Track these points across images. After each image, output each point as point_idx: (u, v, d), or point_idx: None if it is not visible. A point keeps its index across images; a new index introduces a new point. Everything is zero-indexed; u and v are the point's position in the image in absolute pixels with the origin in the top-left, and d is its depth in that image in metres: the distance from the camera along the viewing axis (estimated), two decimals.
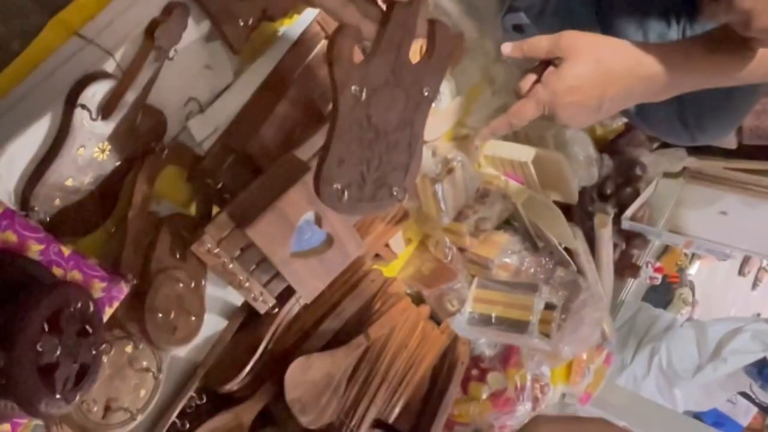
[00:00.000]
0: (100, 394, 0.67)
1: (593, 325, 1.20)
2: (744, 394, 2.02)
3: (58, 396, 0.52)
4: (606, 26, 0.87)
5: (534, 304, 1.08)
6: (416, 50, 0.56)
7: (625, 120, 1.41)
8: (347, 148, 0.53)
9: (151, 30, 0.65)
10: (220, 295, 0.84)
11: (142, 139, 0.70)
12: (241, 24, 0.74)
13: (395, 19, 0.53)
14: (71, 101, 0.62)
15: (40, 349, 0.50)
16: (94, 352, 0.56)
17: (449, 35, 0.58)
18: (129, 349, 0.70)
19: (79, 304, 0.54)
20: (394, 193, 0.58)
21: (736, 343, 1.67)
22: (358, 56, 0.52)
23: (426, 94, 0.58)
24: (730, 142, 1.47)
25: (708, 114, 0.88)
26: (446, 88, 1.08)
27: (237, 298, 0.86)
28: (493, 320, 1.12)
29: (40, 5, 0.63)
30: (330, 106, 0.71)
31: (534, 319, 1.07)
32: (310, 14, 0.83)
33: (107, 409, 0.68)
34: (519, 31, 1.18)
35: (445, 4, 1.02)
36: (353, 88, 0.52)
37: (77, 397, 0.54)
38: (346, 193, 0.54)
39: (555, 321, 1.10)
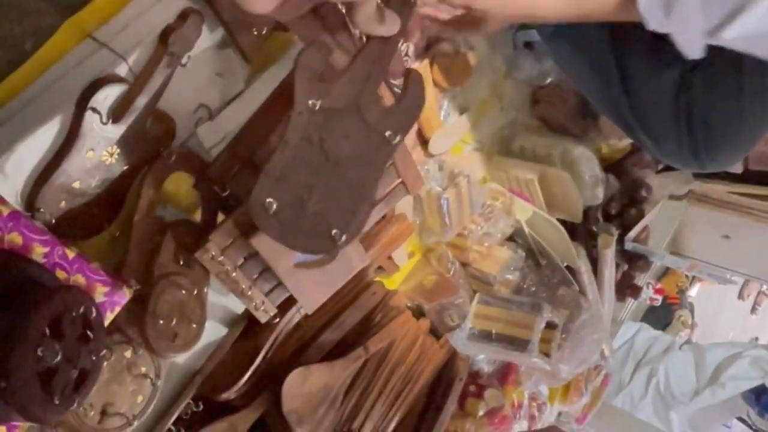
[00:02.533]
0: (97, 399, 0.67)
1: (593, 346, 1.19)
2: (741, 420, 2.01)
3: (56, 401, 0.51)
4: (619, 55, 0.87)
5: (535, 323, 1.08)
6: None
7: (631, 140, 1.41)
8: (292, 164, 0.48)
9: (165, 36, 0.65)
10: (221, 303, 0.84)
11: (151, 143, 0.70)
12: (255, 33, 0.74)
13: (369, 50, 0.50)
14: (82, 104, 0.62)
15: (40, 354, 0.50)
16: (94, 358, 0.55)
17: (422, 87, 0.55)
18: (128, 354, 0.69)
19: (82, 309, 0.54)
20: (333, 235, 0.50)
21: (735, 369, 1.66)
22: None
23: (388, 136, 0.53)
24: (736, 166, 1.47)
25: (719, 144, 0.88)
26: (454, 103, 1.08)
27: (238, 306, 0.86)
28: (494, 337, 1.11)
29: (55, 7, 0.63)
30: None
31: (535, 337, 1.06)
32: None
33: (104, 413, 0.68)
34: (530, 48, 1.18)
35: None
36: (311, 101, 0.48)
37: (75, 403, 0.53)
38: (279, 214, 0.48)
39: (555, 340, 1.10)
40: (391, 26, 0.50)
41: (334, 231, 0.50)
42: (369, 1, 0.47)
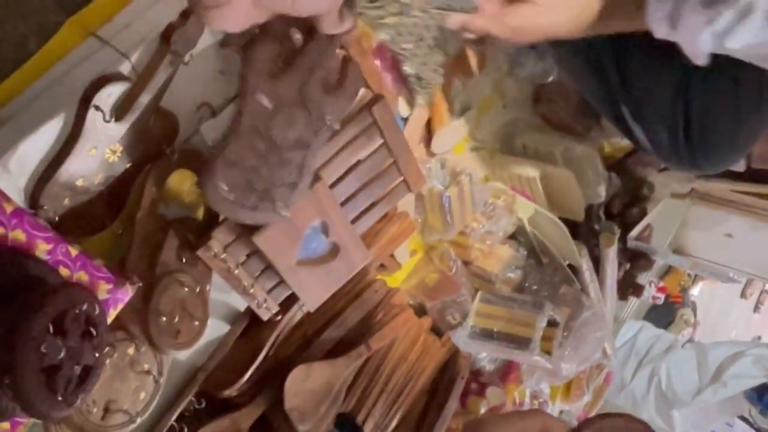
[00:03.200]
0: (100, 396, 0.67)
1: (595, 344, 1.20)
2: (743, 418, 2.01)
3: (59, 398, 0.52)
4: (618, 56, 0.87)
5: (537, 321, 1.08)
6: None
7: None
8: (242, 152, 0.54)
9: (167, 34, 0.65)
10: (223, 300, 0.84)
11: (154, 141, 0.70)
12: (257, 31, 0.74)
13: (314, 45, 0.55)
14: (85, 102, 0.62)
15: (44, 351, 0.50)
16: (97, 355, 0.56)
17: (360, 75, 0.61)
18: (131, 351, 0.70)
19: (85, 306, 0.54)
20: (277, 209, 0.59)
21: (737, 368, 1.66)
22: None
23: (327, 121, 0.59)
24: (739, 165, 1.47)
25: (716, 146, 0.88)
26: (456, 101, 1.08)
27: (240, 304, 0.86)
28: (495, 335, 1.11)
29: (58, 5, 0.64)
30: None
31: (536, 336, 1.06)
32: None
33: (106, 410, 0.68)
34: (532, 46, 1.18)
35: None
36: (263, 97, 0.53)
37: (78, 400, 0.54)
38: (231, 195, 0.55)
39: (557, 339, 1.10)
40: (348, 25, 0.53)
41: (279, 204, 0.59)
42: (333, 10, 0.50)
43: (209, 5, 0.46)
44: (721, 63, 0.69)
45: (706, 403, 1.71)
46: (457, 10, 0.64)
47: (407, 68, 0.85)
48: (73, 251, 0.60)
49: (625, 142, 1.41)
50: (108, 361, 0.66)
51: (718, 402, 1.75)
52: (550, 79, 1.21)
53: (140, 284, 0.66)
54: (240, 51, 0.54)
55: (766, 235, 1.59)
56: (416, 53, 0.78)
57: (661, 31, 0.67)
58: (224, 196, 0.55)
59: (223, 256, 0.73)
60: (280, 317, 0.84)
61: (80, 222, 0.67)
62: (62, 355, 0.52)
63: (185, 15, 0.67)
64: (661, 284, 1.92)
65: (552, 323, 1.11)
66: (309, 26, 0.54)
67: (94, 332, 0.56)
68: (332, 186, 0.78)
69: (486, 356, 1.21)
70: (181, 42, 0.66)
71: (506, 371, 1.27)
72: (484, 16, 0.66)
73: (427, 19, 0.70)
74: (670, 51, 0.84)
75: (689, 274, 2.23)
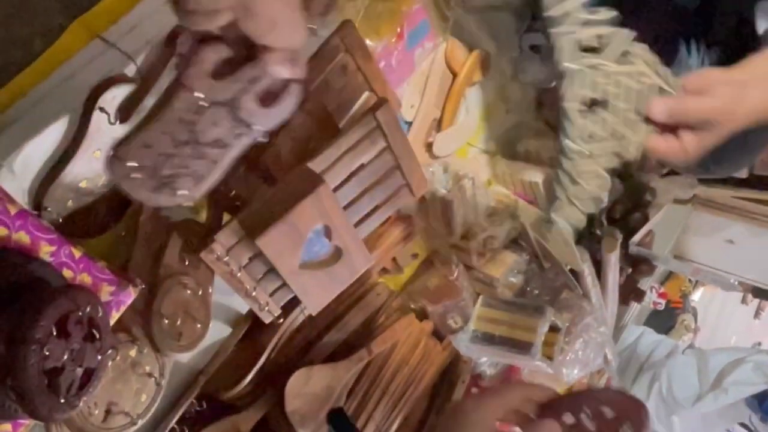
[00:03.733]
0: (102, 398, 0.67)
1: (596, 350, 1.19)
2: (743, 425, 2.00)
3: (61, 400, 0.52)
4: None
5: (539, 326, 1.08)
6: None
7: None
8: (160, 138, 0.56)
9: (172, 37, 0.65)
10: (225, 303, 0.84)
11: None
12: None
13: (259, 60, 0.56)
14: (90, 103, 0.62)
15: (47, 353, 0.50)
16: (99, 357, 0.56)
17: (296, 101, 0.61)
18: (133, 353, 0.70)
19: (88, 309, 0.54)
20: (177, 194, 0.60)
21: (738, 374, 1.65)
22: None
23: (253, 130, 0.60)
24: (741, 171, 1.47)
25: (726, 148, 0.88)
26: (461, 105, 1.08)
27: (242, 306, 0.86)
28: (496, 340, 1.11)
29: (64, 7, 0.64)
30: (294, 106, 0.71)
31: (538, 340, 1.06)
32: (329, 27, 0.83)
33: (108, 412, 0.68)
34: (536, 51, 1.18)
35: (464, 23, 1.02)
36: (197, 94, 0.55)
37: (80, 402, 0.54)
38: (137, 173, 0.56)
39: (558, 344, 1.10)
40: (298, 72, 0.56)
41: (179, 192, 0.60)
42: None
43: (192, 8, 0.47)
44: (731, 65, 0.69)
45: (706, 410, 1.71)
46: None
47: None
48: (77, 253, 0.60)
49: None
50: (110, 363, 0.66)
51: (719, 408, 1.74)
52: (554, 84, 1.21)
53: (143, 286, 0.66)
54: (192, 44, 0.55)
55: (767, 242, 1.59)
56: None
57: None
58: (128, 173, 0.56)
59: (225, 258, 0.72)
60: (281, 320, 0.84)
61: (84, 223, 0.67)
62: (65, 357, 0.52)
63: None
64: (662, 290, 1.92)
65: (554, 328, 1.11)
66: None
67: (97, 335, 0.56)
68: (335, 189, 0.78)
69: (487, 361, 1.21)
70: (186, 45, 0.66)
71: (507, 376, 1.27)
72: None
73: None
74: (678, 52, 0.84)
75: (690, 280, 2.22)
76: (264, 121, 0.60)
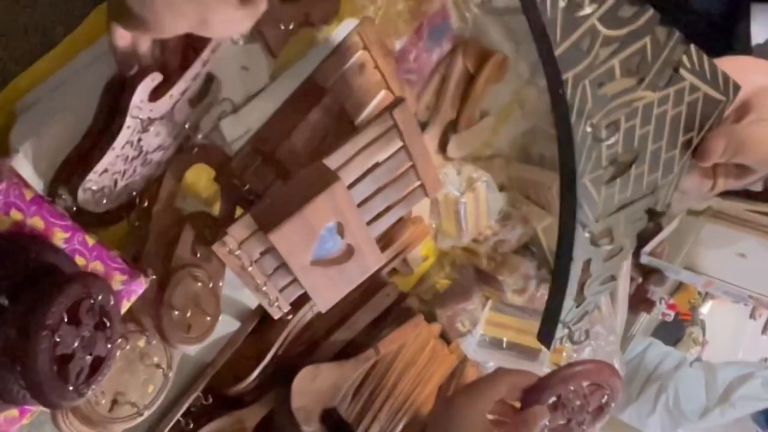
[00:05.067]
0: (109, 387, 0.67)
1: (605, 358, 1.18)
2: None
3: (70, 387, 0.52)
4: None
5: None
6: None
7: None
8: (115, 161, 0.62)
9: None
10: (235, 297, 0.84)
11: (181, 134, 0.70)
12: (282, 28, 0.73)
13: (192, 68, 0.63)
14: (109, 92, 0.62)
15: (57, 339, 0.50)
16: (109, 346, 0.56)
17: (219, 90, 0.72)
18: (141, 343, 0.70)
19: (100, 297, 0.54)
20: (133, 194, 0.69)
21: (746, 389, 1.64)
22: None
23: (186, 128, 0.70)
24: (756, 185, 1.45)
25: None
26: (477, 107, 1.08)
27: (251, 301, 0.86)
28: (505, 345, 1.11)
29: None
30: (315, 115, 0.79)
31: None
32: (350, 24, 0.83)
33: (114, 402, 0.68)
34: None
35: (483, 25, 1.02)
36: (138, 119, 0.61)
37: (89, 390, 0.54)
38: (98, 195, 0.64)
39: (567, 351, 1.09)
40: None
41: (134, 192, 0.69)
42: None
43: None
44: None
45: (712, 424, 1.69)
46: None
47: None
48: (90, 241, 0.60)
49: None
50: (119, 352, 0.66)
51: (725, 423, 1.73)
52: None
53: (154, 277, 0.66)
54: (129, 78, 0.60)
55: None
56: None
57: None
58: (93, 197, 0.63)
59: (237, 252, 0.72)
60: (290, 317, 0.84)
61: (97, 213, 0.67)
62: (75, 344, 0.52)
63: None
64: (671, 301, 1.91)
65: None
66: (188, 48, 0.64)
67: (108, 323, 0.55)
68: (349, 187, 0.77)
69: (494, 365, 1.20)
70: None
71: None
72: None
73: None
74: None
75: (699, 293, 2.21)
76: (195, 118, 0.69)
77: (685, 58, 0.45)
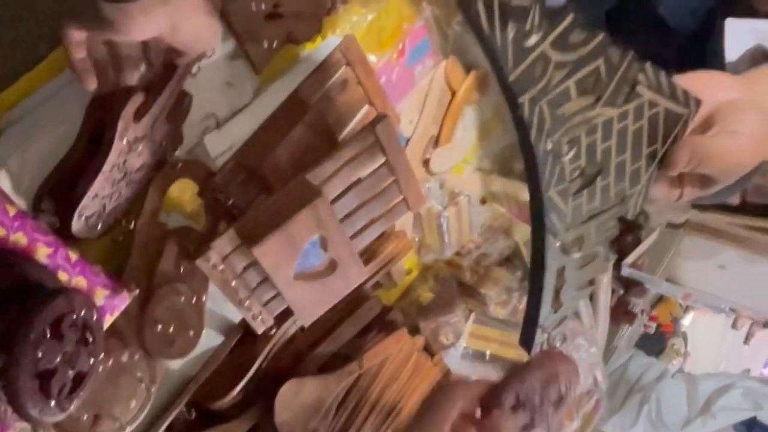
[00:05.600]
0: (91, 402, 0.67)
1: (586, 370, 1.20)
2: None
3: (52, 403, 0.52)
4: None
5: None
6: None
7: None
8: (103, 185, 0.63)
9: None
10: (218, 311, 0.84)
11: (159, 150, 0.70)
12: (266, 45, 0.75)
13: (168, 87, 0.65)
14: (93, 108, 0.62)
15: (40, 355, 0.50)
16: (92, 361, 0.56)
17: (186, 113, 0.72)
18: (124, 358, 0.70)
19: (83, 312, 0.54)
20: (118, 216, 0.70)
21: (727, 400, 1.66)
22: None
23: (162, 145, 0.70)
24: (734, 197, 1.48)
25: None
26: (459, 123, 1.09)
27: (234, 315, 0.86)
28: (488, 358, 1.11)
29: (71, 11, 0.64)
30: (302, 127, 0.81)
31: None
32: (333, 41, 0.84)
33: (97, 417, 0.68)
34: None
35: (464, 43, 1.04)
36: (125, 140, 0.63)
37: (71, 406, 0.54)
38: (91, 221, 0.64)
39: None
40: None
41: (118, 214, 0.69)
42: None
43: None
44: None
45: None
46: None
47: None
48: (73, 256, 0.60)
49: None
50: (101, 367, 0.66)
51: None
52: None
53: (137, 291, 0.66)
54: (111, 102, 0.62)
55: (758, 268, 1.60)
56: None
57: None
58: (86, 224, 0.64)
59: (221, 267, 0.73)
60: (274, 330, 0.84)
61: None
62: (58, 359, 0.52)
63: None
64: (653, 313, 1.93)
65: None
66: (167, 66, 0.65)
67: (91, 338, 0.56)
68: (333, 202, 0.78)
69: (477, 378, 1.21)
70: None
71: None
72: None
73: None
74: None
75: (681, 305, 2.23)
76: (171, 134, 0.71)
77: (641, 76, 0.47)
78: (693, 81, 0.54)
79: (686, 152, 0.53)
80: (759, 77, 0.62)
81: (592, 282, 0.55)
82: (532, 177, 0.46)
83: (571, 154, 0.46)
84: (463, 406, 0.61)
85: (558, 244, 0.49)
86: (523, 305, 1.21)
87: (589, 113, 0.45)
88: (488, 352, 1.13)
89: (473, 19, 0.40)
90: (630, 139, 0.49)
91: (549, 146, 0.45)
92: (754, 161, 0.56)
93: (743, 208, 1.54)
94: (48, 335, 0.51)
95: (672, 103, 0.50)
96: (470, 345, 1.14)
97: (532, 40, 0.41)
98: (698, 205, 1.54)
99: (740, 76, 0.61)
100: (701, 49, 0.95)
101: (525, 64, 0.42)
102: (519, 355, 1.10)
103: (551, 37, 0.41)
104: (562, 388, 0.61)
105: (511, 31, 0.40)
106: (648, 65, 0.48)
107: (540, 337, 0.55)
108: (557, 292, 0.52)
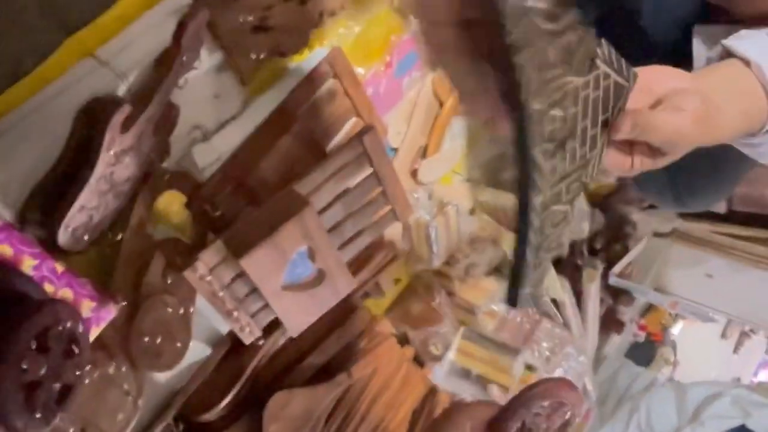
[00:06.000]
0: (77, 414, 0.66)
1: (576, 379, 1.20)
2: None
3: (37, 415, 0.51)
4: None
5: (513, 369, 1.09)
6: None
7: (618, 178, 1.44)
8: (90, 197, 0.64)
9: (165, 58, 0.66)
10: (206, 323, 0.84)
11: (146, 163, 0.70)
12: (253, 57, 0.75)
13: (156, 99, 0.66)
14: (79, 122, 0.63)
15: (25, 367, 0.50)
16: (77, 373, 0.55)
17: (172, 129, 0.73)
18: (111, 370, 0.69)
19: (68, 324, 0.54)
20: (105, 228, 0.70)
21: (716, 408, 1.66)
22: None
23: (150, 156, 0.71)
24: (720, 206, 1.50)
25: (699, 182, 0.90)
26: (447, 134, 1.10)
27: (222, 326, 0.86)
28: (474, 378, 1.12)
29: (58, 24, 0.64)
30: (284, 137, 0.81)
31: (513, 385, 1.07)
32: (320, 53, 0.84)
33: (83, 430, 0.67)
34: None
35: None
36: (112, 151, 0.64)
37: (57, 418, 0.53)
38: (78, 233, 0.64)
39: (539, 373, 1.11)
40: None
41: (105, 226, 0.69)
42: None
43: None
44: None
45: None
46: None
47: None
48: (59, 268, 0.60)
49: (609, 181, 1.43)
50: (87, 380, 0.66)
51: None
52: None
53: (124, 303, 0.66)
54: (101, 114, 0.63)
55: (745, 277, 1.61)
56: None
57: None
58: (72, 236, 0.64)
59: (208, 278, 0.72)
60: (262, 342, 0.84)
61: None
62: (43, 372, 0.51)
63: (178, 40, 0.68)
64: (642, 322, 1.93)
65: (530, 368, 1.12)
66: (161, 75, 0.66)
67: (76, 350, 0.55)
68: (320, 212, 0.78)
69: (467, 389, 1.21)
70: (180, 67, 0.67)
71: None
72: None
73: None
74: None
75: (670, 314, 2.24)
76: (158, 146, 0.71)
77: (599, 50, 0.53)
78: (650, 73, 0.61)
79: (630, 119, 0.58)
80: (709, 70, 0.68)
81: (561, 244, 0.59)
82: (520, 137, 0.51)
83: (551, 116, 0.51)
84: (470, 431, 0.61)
85: (539, 201, 0.54)
86: (511, 315, 1.22)
87: (563, 80, 0.51)
88: (474, 372, 1.13)
89: None
90: (591, 106, 0.55)
91: (537, 106, 0.49)
92: (694, 138, 0.62)
93: (730, 218, 1.55)
94: (33, 347, 0.51)
95: (619, 76, 0.56)
96: (458, 361, 1.15)
97: (530, 2, 0.47)
98: (684, 214, 1.55)
99: (694, 72, 0.67)
100: (681, 58, 0.97)
101: (520, 28, 0.46)
102: (504, 380, 1.10)
103: (542, 3, 0.47)
104: (567, 415, 0.62)
105: None
106: (603, 41, 0.54)
107: (525, 294, 0.58)
108: (537, 250, 0.56)
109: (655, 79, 0.61)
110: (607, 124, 0.57)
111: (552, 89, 0.51)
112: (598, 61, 0.53)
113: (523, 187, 0.53)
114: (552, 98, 0.51)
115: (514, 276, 0.59)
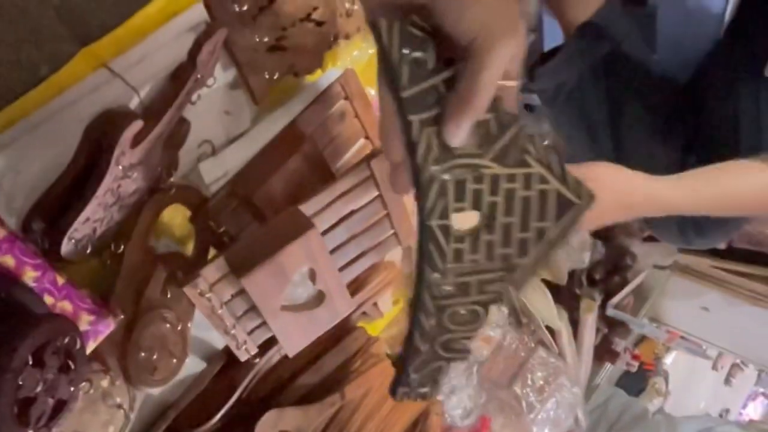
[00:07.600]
0: (69, 427, 0.66)
1: (567, 410, 1.20)
2: None
3: (30, 431, 0.51)
4: (615, 131, 0.89)
5: None
6: None
7: None
8: (96, 209, 0.63)
9: (178, 74, 0.66)
10: (202, 338, 0.83)
11: (154, 175, 0.70)
12: (266, 77, 0.75)
13: (166, 118, 0.66)
14: (89, 133, 0.62)
15: (21, 383, 0.49)
16: (72, 389, 0.55)
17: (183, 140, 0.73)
18: (105, 383, 0.69)
19: (66, 340, 0.54)
20: (108, 239, 0.70)
21: None
22: None
23: (159, 171, 0.72)
24: (720, 243, 1.50)
25: (708, 222, 0.90)
26: None
27: (218, 342, 0.85)
28: None
29: (73, 35, 0.64)
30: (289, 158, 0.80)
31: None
32: (333, 73, 0.85)
33: None
34: (530, 110, 1.21)
35: None
36: (121, 165, 0.63)
37: None
38: (78, 243, 0.64)
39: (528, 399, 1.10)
40: None
41: (108, 238, 0.69)
42: None
43: None
44: (721, 140, 0.70)
45: None
46: None
47: None
48: (60, 280, 0.60)
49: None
50: (81, 394, 0.65)
51: None
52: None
53: (122, 317, 0.66)
54: (112, 127, 0.63)
55: (741, 312, 1.61)
56: None
57: None
58: (76, 247, 0.64)
59: (208, 294, 0.72)
60: (257, 359, 0.83)
61: None
62: (39, 388, 0.51)
63: (194, 58, 0.68)
64: (636, 352, 1.93)
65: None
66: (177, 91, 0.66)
67: (72, 366, 0.55)
68: (324, 233, 0.78)
69: (459, 413, 1.20)
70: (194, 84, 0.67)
71: (478, 429, 1.26)
72: None
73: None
74: (669, 128, 0.85)
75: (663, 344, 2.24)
76: (168, 161, 0.71)
77: (530, 147, 0.45)
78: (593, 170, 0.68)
79: None
80: None
81: (466, 350, 0.50)
82: (417, 201, 0.45)
83: (455, 192, 0.45)
84: None
85: (434, 279, 0.47)
86: (507, 341, 1.22)
87: (477, 160, 0.44)
88: None
89: (373, 26, 0.40)
90: (518, 204, 0.46)
91: (434, 173, 0.43)
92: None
93: (729, 253, 1.56)
94: (30, 363, 0.50)
95: (563, 186, 0.47)
96: None
97: (430, 65, 0.41)
98: (685, 249, 1.55)
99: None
100: (692, 99, 0.97)
101: (419, 88, 0.41)
102: None
103: (445, 74, 0.41)
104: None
105: (410, 53, 0.40)
106: (537, 139, 0.46)
107: (413, 382, 0.51)
108: (431, 341, 0.48)
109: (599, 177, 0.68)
110: (543, 234, 0.47)
111: (461, 164, 0.44)
112: (529, 158, 0.45)
113: (418, 255, 0.46)
114: (459, 174, 0.44)
115: (399, 359, 0.52)
